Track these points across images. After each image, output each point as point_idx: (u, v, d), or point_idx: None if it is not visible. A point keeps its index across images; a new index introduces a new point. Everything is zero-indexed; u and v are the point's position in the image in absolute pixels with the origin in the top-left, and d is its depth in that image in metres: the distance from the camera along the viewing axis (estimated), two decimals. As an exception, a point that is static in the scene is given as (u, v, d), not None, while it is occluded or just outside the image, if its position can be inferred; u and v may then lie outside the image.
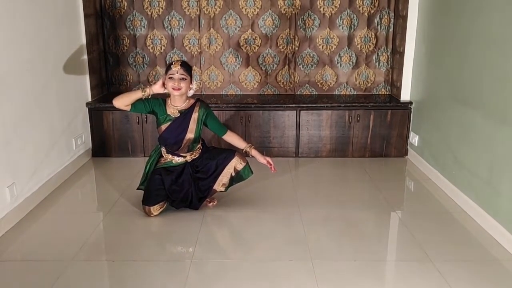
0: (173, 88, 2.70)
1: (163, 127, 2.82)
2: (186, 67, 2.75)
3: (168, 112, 2.82)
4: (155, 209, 2.88)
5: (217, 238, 2.74)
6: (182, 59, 2.73)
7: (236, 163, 2.92)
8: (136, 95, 2.72)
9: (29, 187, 3.00)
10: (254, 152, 2.92)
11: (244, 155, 2.98)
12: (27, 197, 2.95)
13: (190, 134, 2.83)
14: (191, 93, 2.82)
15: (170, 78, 2.70)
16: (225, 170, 2.93)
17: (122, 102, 2.73)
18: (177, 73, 2.69)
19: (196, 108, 2.84)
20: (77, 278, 2.25)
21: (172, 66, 2.71)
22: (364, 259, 2.41)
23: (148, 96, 2.74)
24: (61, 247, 2.52)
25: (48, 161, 3.28)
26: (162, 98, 2.85)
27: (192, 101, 2.87)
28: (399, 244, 2.68)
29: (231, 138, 2.96)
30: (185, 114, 2.82)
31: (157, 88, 2.74)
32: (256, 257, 2.46)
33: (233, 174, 2.94)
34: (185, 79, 2.71)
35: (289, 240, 2.63)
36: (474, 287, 2.17)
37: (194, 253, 2.47)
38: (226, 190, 2.99)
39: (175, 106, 2.82)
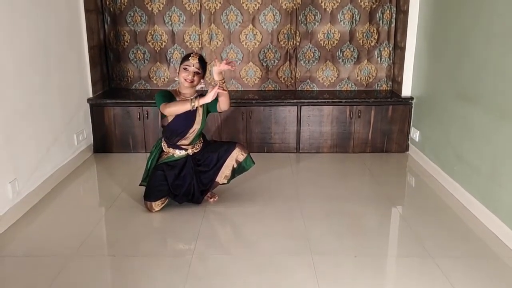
0: (185, 79, 2.72)
1: (170, 117, 2.82)
2: (202, 62, 2.78)
3: None
4: (157, 205, 2.89)
5: (218, 234, 2.75)
6: (199, 53, 2.75)
7: (237, 155, 2.93)
8: (186, 107, 2.66)
9: (31, 183, 3.01)
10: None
11: (244, 146, 2.93)
12: (29, 192, 2.96)
13: (196, 125, 2.85)
14: (199, 87, 2.84)
15: (185, 69, 2.72)
16: (226, 162, 2.94)
17: (170, 113, 2.73)
18: (193, 65, 2.71)
19: None
20: (78, 273, 2.26)
21: (190, 58, 2.73)
22: (364, 255, 2.42)
23: (195, 108, 2.68)
24: (63, 242, 2.54)
25: (49, 157, 3.29)
26: (168, 91, 2.86)
27: (196, 94, 2.87)
28: (399, 239, 2.69)
29: (221, 103, 2.79)
30: None
31: (207, 99, 2.63)
32: (256, 252, 2.47)
33: (235, 166, 2.96)
34: (199, 73, 2.75)
35: (290, 235, 2.64)
36: (473, 282, 2.18)
37: (195, 249, 2.48)
38: (228, 182, 3.01)
39: (185, 97, 2.82)
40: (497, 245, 2.53)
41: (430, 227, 2.72)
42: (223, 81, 2.68)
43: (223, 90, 2.65)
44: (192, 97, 2.72)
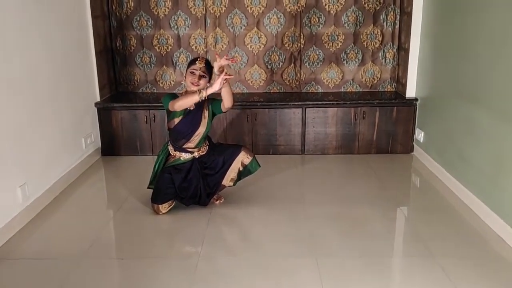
0: (191, 83, 2.78)
1: (177, 120, 2.86)
2: (209, 66, 2.83)
3: None
4: (164, 207, 2.93)
5: (224, 236, 2.79)
6: (205, 57, 2.78)
7: (243, 158, 2.97)
8: (194, 99, 2.67)
9: (40, 187, 3.06)
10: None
11: (250, 149, 2.93)
12: (38, 196, 3.02)
13: (202, 128, 2.89)
14: None
15: (192, 72, 2.78)
16: (232, 165, 2.98)
17: (180, 106, 2.73)
18: (199, 69, 2.77)
19: (206, 104, 2.90)
20: (87, 275, 2.31)
21: (197, 62, 2.79)
22: (369, 256, 2.44)
23: (204, 98, 2.69)
24: (72, 245, 2.59)
25: (58, 161, 3.35)
26: (174, 93, 2.90)
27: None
28: (403, 240, 2.70)
29: (224, 99, 2.80)
30: (198, 108, 2.87)
31: (215, 87, 2.61)
32: (262, 254, 2.50)
33: (241, 169, 3.00)
34: (205, 77, 2.80)
35: (295, 237, 2.67)
36: (477, 283, 2.19)
37: (202, 251, 2.52)
38: (234, 184, 3.05)
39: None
40: (500, 246, 2.54)
41: (434, 228, 2.74)
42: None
43: (229, 75, 2.62)
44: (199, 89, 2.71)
